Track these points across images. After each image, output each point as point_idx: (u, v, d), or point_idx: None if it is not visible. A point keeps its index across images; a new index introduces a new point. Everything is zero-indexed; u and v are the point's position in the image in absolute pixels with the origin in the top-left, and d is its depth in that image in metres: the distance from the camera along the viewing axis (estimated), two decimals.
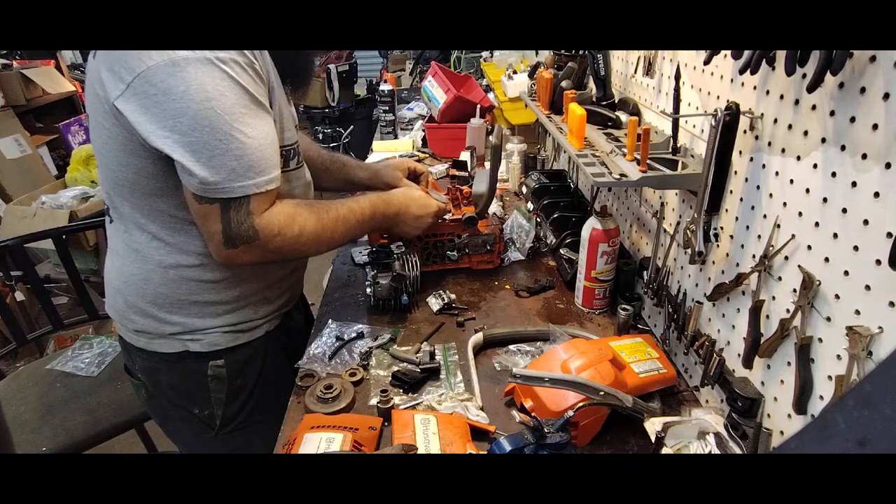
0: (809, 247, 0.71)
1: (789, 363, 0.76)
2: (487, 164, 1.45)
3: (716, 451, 0.83)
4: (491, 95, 2.62)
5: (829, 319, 0.69)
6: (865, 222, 0.62)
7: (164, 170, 0.90)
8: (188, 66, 0.81)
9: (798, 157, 0.72)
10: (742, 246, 0.87)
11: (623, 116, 1.18)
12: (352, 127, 4.29)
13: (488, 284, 1.42)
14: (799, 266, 0.73)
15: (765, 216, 0.81)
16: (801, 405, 0.73)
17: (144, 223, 0.97)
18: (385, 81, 2.90)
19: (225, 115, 0.84)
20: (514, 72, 2.26)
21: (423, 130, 2.54)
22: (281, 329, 1.18)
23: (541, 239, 1.57)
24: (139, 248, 0.99)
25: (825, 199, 0.68)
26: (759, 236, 0.82)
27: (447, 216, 1.38)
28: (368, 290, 1.30)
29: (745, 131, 0.83)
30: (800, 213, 0.73)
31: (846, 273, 0.65)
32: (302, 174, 1.13)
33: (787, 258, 0.76)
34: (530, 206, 1.72)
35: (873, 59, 0.59)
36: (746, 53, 0.73)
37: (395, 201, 1.21)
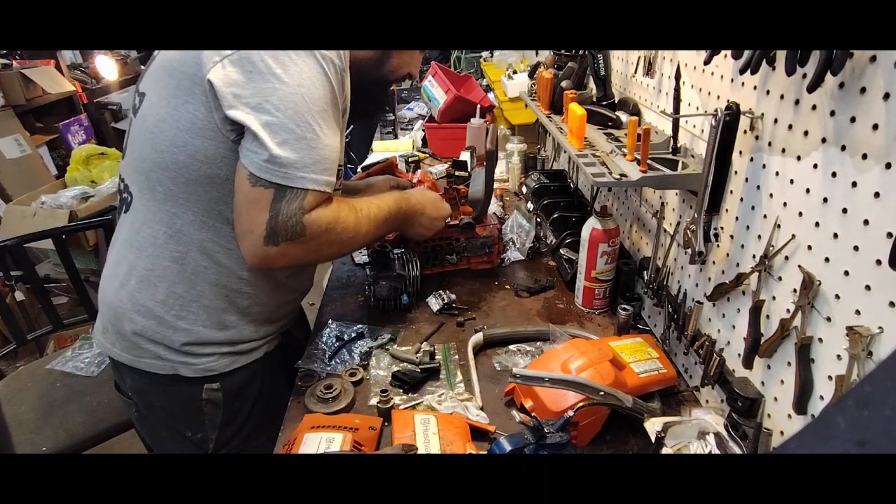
0: (810, 247, 0.71)
1: (789, 363, 0.76)
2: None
3: (716, 451, 0.83)
4: (491, 95, 2.62)
5: (829, 319, 0.69)
6: (866, 222, 0.62)
7: (223, 155, 0.89)
8: (290, 51, 0.84)
9: (798, 157, 0.72)
10: (742, 246, 0.87)
11: (623, 116, 1.18)
12: (352, 127, 4.29)
13: (488, 284, 1.42)
14: (799, 266, 0.73)
15: (765, 216, 0.81)
16: (801, 405, 0.73)
17: (174, 212, 0.93)
18: None
19: (310, 104, 0.85)
20: (514, 72, 2.26)
21: (423, 130, 2.54)
22: (280, 348, 1.15)
23: (541, 239, 1.57)
24: (157, 243, 0.95)
25: (825, 199, 0.68)
26: (760, 236, 0.82)
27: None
28: (368, 290, 1.30)
29: (745, 131, 0.83)
30: (800, 213, 0.73)
31: (846, 273, 0.65)
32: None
33: (787, 258, 0.76)
34: (530, 206, 1.72)
35: (873, 59, 0.59)
36: (746, 53, 0.73)
37: (415, 200, 1.19)
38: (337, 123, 0.93)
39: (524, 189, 1.85)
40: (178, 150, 0.90)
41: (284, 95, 0.83)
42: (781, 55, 0.70)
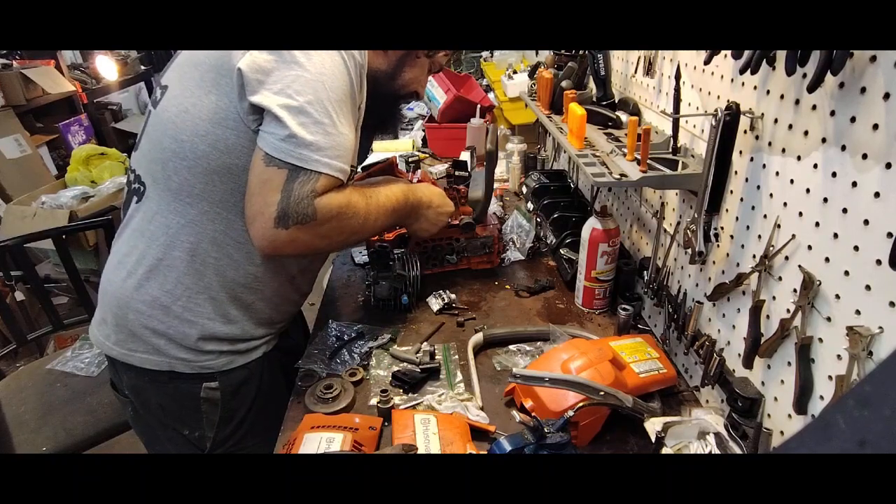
0: (810, 247, 0.71)
1: (789, 363, 0.76)
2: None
3: (716, 451, 0.82)
4: (491, 95, 2.62)
5: (829, 319, 0.69)
6: (866, 222, 0.62)
7: (243, 145, 0.91)
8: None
9: (798, 157, 0.72)
10: (742, 246, 0.87)
11: (623, 116, 1.18)
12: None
13: (488, 284, 1.42)
14: (799, 266, 0.73)
15: (765, 216, 0.81)
16: (801, 405, 0.73)
17: (189, 202, 0.94)
18: None
19: (329, 92, 0.88)
20: (514, 72, 2.26)
21: (423, 130, 2.54)
22: (278, 348, 1.15)
23: (541, 239, 1.57)
24: (170, 232, 0.96)
25: (825, 199, 0.68)
26: (760, 236, 0.82)
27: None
28: (368, 290, 1.30)
29: (745, 131, 0.83)
30: (800, 213, 0.73)
31: (846, 273, 0.65)
32: None
33: (787, 258, 0.76)
34: (530, 206, 1.72)
35: (873, 59, 0.59)
36: (747, 53, 0.73)
37: (421, 193, 1.17)
38: (353, 117, 0.95)
39: (524, 189, 1.85)
40: (198, 140, 0.91)
41: (306, 82, 0.86)
42: (781, 55, 0.70)
